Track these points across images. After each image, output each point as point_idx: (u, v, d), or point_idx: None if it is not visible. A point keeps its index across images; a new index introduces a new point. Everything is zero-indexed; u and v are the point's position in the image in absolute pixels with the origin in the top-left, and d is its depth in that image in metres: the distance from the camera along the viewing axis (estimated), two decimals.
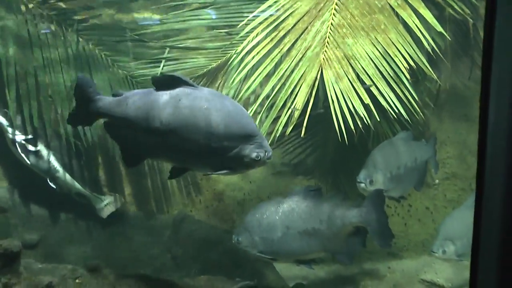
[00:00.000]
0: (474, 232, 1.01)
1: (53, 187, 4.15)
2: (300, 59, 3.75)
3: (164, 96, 2.78)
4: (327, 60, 3.70)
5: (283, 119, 3.66)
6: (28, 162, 4.11)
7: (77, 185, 4.27)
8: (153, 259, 4.38)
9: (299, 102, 3.67)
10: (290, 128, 3.69)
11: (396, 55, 3.64)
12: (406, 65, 3.64)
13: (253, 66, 3.93)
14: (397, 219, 4.67)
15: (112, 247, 4.39)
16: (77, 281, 3.30)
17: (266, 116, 3.93)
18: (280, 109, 3.77)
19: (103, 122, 3.13)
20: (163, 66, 4.22)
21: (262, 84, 3.94)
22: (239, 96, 3.97)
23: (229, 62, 4.25)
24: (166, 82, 2.82)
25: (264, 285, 3.84)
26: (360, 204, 3.54)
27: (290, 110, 3.66)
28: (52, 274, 3.29)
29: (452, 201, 4.77)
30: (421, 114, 3.84)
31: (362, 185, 3.69)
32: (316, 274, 4.51)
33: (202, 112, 2.70)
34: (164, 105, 2.76)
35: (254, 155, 2.75)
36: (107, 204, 4.33)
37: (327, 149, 4.69)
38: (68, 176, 4.25)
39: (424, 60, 3.69)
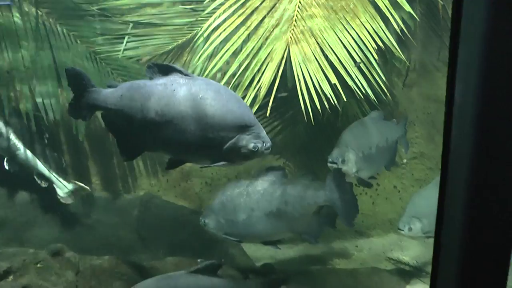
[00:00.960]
0: (438, 210, 1.04)
1: (6, 168, 4.02)
2: (267, 37, 3.71)
3: (159, 86, 2.72)
4: (295, 39, 3.67)
5: (249, 98, 3.63)
6: None
7: (40, 165, 4.17)
8: (120, 240, 4.37)
9: (265, 81, 3.65)
10: (255, 107, 3.67)
11: (364, 35, 3.64)
12: (374, 45, 3.64)
13: (219, 43, 3.88)
14: (365, 198, 4.74)
15: (77, 228, 4.35)
16: (38, 265, 3.25)
17: None
18: (246, 88, 3.74)
19: (101, 114, 3.06)
20: (126, 42, 4.11)
21: (229, 62, 3.90)
22: (205, 74, 3.92)
23: (195, 39, 4.17)
24: (160, 69, 2.77)
25: (232, 265, 3.87)
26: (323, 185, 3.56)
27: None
28: (12, 259, 3.24)
29: (419, 180, 4.86)
30: (388, 94, 3.86)
31: (335, 165, 3.68)
32: (284, 253, 4.59)
33: (197, 102, 2.65)
34: (159, 96, 2.70)
35: (251, 145, 2.70)
36: (71, 192, 4.21)
37: (296, 129, 4.70)
38: (30, 155, 4.14)
39: (393, 41, 3.70)
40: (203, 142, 2.68)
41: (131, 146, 2.94)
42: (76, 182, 4.25)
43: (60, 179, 4.19)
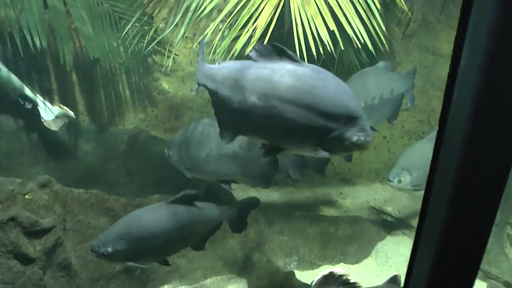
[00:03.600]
0: (431, 165, 1.08)
1: None
2: None
3: (265, 70, 2.65)
4: None
5: (243, 38, 3.63)
6: None
7: (23, 85, 4.15)
8: (107, 174, 4.50)
9: (262, 21, 3.64)
10: (249, 48, 3.67)
11: None
12: None
13: None
14: None
15: (65, 160, 4.45)
16: (26, 196, 3.37)
17: (225, 36, 3.90)
18: (241, 28, 3.72)
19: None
20: None
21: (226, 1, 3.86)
22: (201, 10, 3.89)
23: None
24: (268, 52, 2.68)
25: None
26: None
27: None
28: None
29: (409, 132, 4.98)
30: (386, 45, 3.88)
31: None
32: (269, 196, 4.77)
33: (305, 91, 2.59)
34: (264, 80, 2.64)
35: (355, 138, 2.66)
36: (56, 117, 4.27)
37: None
38: (12, 76, 4.12)
39: None
40: (306, 131, 2.65)
41: (230, 127, 2.91)
42: (61, 105, 4.29)
43: (45, 101, 4.23)
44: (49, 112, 4.24)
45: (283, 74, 2.63)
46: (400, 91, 4.12)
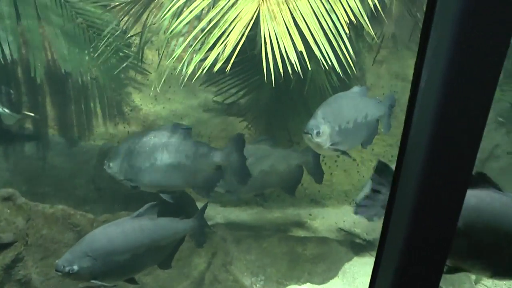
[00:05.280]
0: (392, 184, 1.14)
1: None
2: None
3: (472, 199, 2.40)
4: (266, 2, 3.73)
5: (212, 56, 3.68)
6: None
7: None
8: (76, 189, 4.48)
9: (232, 39, 3.69)
10: (218, 65, 3.70)
11: (337, 7, 3.72)
12: (346, 18, 3.73)
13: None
14: (323, 168, 4.97)
15: (32, 173, 4.43)
16: None
17: (198, 50, 3.95)
18: (212, 46, 3.79)
19: None
20: None
21: (199, 18, 3.94)
22: (170, 29, 3.94)
23: None
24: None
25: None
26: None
27: None
28: None
29: (378, 155, 5.10)
30: (354, 69, 3.98)
31: (309, 135, 3.71)
32: (238, 216, 4.81)
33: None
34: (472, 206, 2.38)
35: None
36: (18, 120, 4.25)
37: (261, 93, 4.83)
38: None
39: (365, 16, 3.78)
40: None
41: None
42: (26, 112, 4.31)
43: (6, 109, 4.24)
44: (12, 118, 4.26)
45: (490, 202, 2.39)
46: (375, 117, 4.16)
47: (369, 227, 5.01)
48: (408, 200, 1.11)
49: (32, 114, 4.33)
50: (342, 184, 5.12)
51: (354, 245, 4.87)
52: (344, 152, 4.06)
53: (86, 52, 4.50)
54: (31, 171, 4.43)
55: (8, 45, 4.09)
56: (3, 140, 4.35)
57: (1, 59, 4.08)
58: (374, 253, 4.38)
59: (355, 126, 3.97)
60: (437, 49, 1.02)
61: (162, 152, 3.77)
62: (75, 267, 3.02)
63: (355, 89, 4.12)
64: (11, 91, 4.36)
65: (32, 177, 4.42)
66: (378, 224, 4.51)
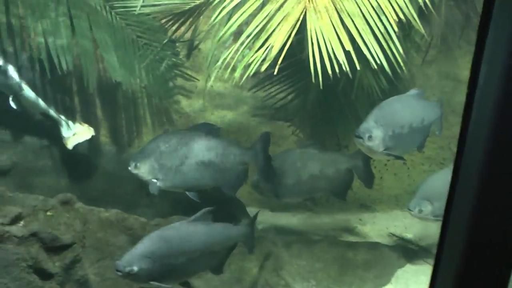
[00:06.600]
0: (448, 195, 1.09)
1: (13, 107, 4.21)
2: (285, 0, 3.79)
3: None
4: (313, 3, 3.74)
5: (259, 57, 3.68)
6: None
7: (43, 104, 4.33)
8: (126, 194, 4.58)
9: (277, 41, 3.71)
10: (265, 66, 3.71)
11: (386, 6, 3.70)
12: (395, 17, 3.70)
13: (237, 4, 3.95)
14: (373, 171, 4.91)
15: (86, 179, 4.56)
16: (48, 213, 3.48)
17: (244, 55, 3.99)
18: (258, 49, 3.81)
19: None
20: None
21: (248, 23, 3.98)
22: (219, 36, 4.00)
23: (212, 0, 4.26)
24: None
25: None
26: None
27: None
28: (23, 204, 3.47)
29: (429, 159, 5.01)
30: (405, 69, 3.92)
31: (360, 140, 3.65)
32: (287, 220, 4.80)
33: None
34: None
35: None
36: (75, 134, 4.40)
37: (309, 97, 4.84)
38: (33, 94, 4.30)
39: (415, 14, 3.75)
40: None
41: None
42: (81, 122, 4.45)
43: (67, 121, 4.39)
44: (69, 130, 4.39)
45: None
46: (432, 120, 4.08)
47: (422, 233, 4.90)
48: (468, 202, 1.06)
49: (91, 130, 4.45)
50: (392, 188, 5.04)
51: (406, 251, 4.77)
52: (398, 157, 4.00)
53: (135, 61, 4.63)
54: (85, 178, 4.56)
55: (65, 57, 4.26)
56: (59, 148, 4.50)
57: (59, 71, 4.26)
58: (429, 260, 4.27)
59: (410, 130, 3.89)
60: (495, 47, 0.99)
61: (192, 151, 3.86)
62: (135, 268, 3.10)
63: (412, 92, 4.05)
64: (67, 99, 4.54)
65: (86, 183, 4.54)
66: (431, 230, 4.40)
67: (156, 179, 3.92)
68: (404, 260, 4.73)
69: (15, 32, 4.23)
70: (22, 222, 3.33)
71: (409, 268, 4.71)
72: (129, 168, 3.96)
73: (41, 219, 3.44)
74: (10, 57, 4.23)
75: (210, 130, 4.00)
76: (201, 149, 3.91)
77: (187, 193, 3.94)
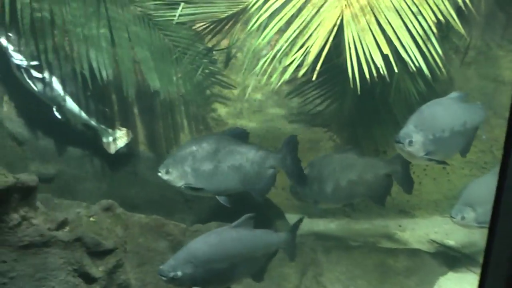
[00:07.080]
0: (495, 200, 1.07)
1: (58, 117, 4.37)
2: (322, 5, 3.80)
3: None
4: (349, 7, 3.74)
5: (296, 63, 3.69)
6: (35, 88, 4.31)
7: (84, 115, 4.49)
8: (165, 200, 4.64)
9: (316, 46, 3.71)
10: (302, 71, 3.72)
11: (423, 7, 3.66)
12: (433, 18, 3.65)
13: (273, 12, 3.98)
14: (412, 177, 4.84)
15: (125, 186, 4.65)
16: (91, 219, 3.56)
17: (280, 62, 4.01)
18: (295, 54, 3.82)
19: None
20: (182, 8, 4.30)
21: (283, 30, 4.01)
22: (256, 43, 4.03)
23: (249, 8, 4.31)
24: None
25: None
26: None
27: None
28: (67, 210, 3.57)
29: (470, 163, 4.90)
30: (444, 71, 3.86)
31: (400, 145, 3.60)
32: (326, 227, 4.77)
33: None
34: None
35: None
36: (115, 139, 4.53)
37: (346, 102, 4.81)
38: (75, 106, 4.46)
39: (454, 14, 3.70)
40: None
41: None
42: (120, 127, 4.59)
43: (107, 128, 4.55)
44: (109, 136, 4.55)
45: None
46: (475, 123, 3.97)
47: (464, 239, 4.78)
48: None
49: (130, 134, 4.58)
50: (431, 193, 4.95)
51: (448, 258, 4.66)
52: (440, 162, 3.92)
53: (173, 71, 4.71)
54: (125, 184, 4.65)
55: (105, 67, 4.37)
56: (100, 157, 4.62)
57: (99, 82, 4.38)
58: (472, 268, 4.14)
59: (452, 134, 3.80)
60: None
61: (223, 155, 3.90)
62: (179, 273, 3.14)
63: (453, 94, 3.95)
64: (106, 109, 4.66)
65: (126, 190, 4.63)
66: (474, 236, 4.29)
67: (187, 184, 3.97)
68: (446, 268, 4.63)
69: (58, 46, 4.36)
70: (67, 228, 3.41)
71: (451, 276, 4.60)
72: (159, 174, 4.00)
73: (85, 225, 3.51)
74: (55, 69, 4.39)
75: (239, 134, 4.04)
76: (231, 153, 3.95)
77: (217, 197, 3.98)
